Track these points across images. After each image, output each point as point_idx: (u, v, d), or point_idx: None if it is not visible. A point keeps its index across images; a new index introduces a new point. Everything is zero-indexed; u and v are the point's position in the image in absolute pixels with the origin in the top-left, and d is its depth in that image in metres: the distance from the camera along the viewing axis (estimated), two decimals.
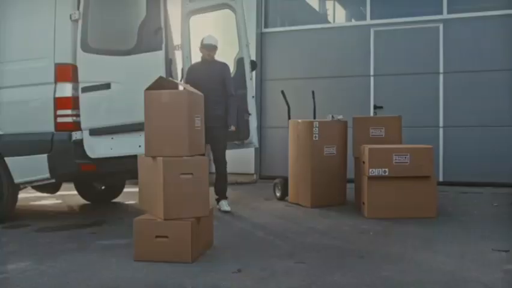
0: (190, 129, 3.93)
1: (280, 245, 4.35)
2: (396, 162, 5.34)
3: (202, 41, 5.84)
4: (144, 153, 4.00)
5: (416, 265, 3.70)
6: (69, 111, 5.05)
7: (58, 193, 6.49)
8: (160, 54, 4.86)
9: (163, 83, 4.08)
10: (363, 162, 5.55)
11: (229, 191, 7.58)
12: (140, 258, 3.82)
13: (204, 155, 4.22)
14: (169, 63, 5.75)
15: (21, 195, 6.38)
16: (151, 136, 3.93)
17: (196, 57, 6.23)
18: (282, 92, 6.79)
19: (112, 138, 5.02)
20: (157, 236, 3.82)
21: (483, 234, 4.64)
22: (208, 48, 5.81)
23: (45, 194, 6.71)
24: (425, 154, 5.42)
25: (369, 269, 3.59)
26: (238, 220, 5.44)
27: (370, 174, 5.35)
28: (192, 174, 3.87)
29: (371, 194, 5.41)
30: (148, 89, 3.95)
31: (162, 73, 4.72)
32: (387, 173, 5.34)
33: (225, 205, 5.87)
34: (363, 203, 5.55)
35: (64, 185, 6.45)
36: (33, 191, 6.34)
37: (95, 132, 5.03)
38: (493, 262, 3.75)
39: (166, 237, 3.81)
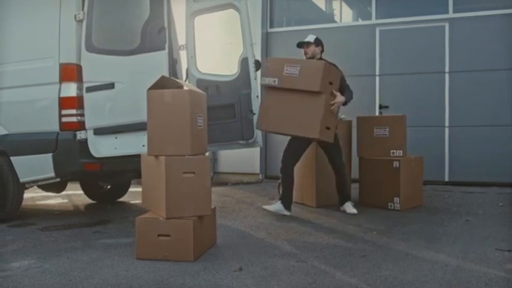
0: (193, 128, 3.94)
1: (283, 244, 4.35)
2: (286, 73, 5.34)
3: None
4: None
5: (418, 264, 3.69)
6: (73, 111, 5.09)
7: (64, 192, 6.53)
8: (164, 54, 4.89)
9: (165, 82, 4.10)
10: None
11: (235, 191, 7.64)
12: (143, 257, 3.85)
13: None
14: (174, 63, 5.79)
15: (28, 194, 6.45)
16: (153, 135, 3.95)
17: (199, 57, 6.21)
18: None
19: (116, 137, 5.06)
20: (159, 235, 3.85)
21: (487, 233, 4.61)
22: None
23: (51, 194, 6.76)
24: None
25: (371, 268, 3.59)
26: (242, 219, 5.44)
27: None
28: (194, 173, 3.89)
29: None
30: (151, 88, 3.98)
31: (165, 73, 4.75)
32: (276, 83, 5.37)
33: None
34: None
35: (70, 185, 6.49)
36: (40, 190, 6.38)
37: (99, 131, 5.06)
38: (495, 261, 3.74)
39: (168, 235, 3.83)
